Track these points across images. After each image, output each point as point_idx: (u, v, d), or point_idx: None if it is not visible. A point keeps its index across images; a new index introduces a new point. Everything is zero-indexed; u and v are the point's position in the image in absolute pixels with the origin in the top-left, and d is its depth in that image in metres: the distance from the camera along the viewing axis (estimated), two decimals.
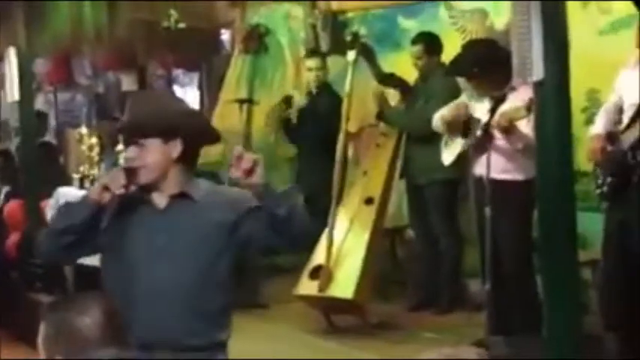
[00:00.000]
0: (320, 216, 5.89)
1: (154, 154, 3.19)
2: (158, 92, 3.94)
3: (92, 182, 7.69)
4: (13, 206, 8.27)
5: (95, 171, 7.90)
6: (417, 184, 6.58)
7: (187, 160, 3.26)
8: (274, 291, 7.23)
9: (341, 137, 6.33)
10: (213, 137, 3.43)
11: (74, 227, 3.15)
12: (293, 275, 6.80)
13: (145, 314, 3.09)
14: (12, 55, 7.88)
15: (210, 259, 3.22)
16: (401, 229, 7.31)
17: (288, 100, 7.52)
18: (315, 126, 7.10)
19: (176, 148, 3.21)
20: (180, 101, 3.56)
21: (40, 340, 2.32)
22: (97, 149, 7.99)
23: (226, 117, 8.71)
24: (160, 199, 3.25)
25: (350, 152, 6.94)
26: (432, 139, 6.02)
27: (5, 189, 8.92)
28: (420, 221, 6.68)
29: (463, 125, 5.62)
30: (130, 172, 3.16)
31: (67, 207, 3.34)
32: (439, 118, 5.82)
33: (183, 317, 3.14)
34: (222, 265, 3.26)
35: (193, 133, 3.25)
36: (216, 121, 8.89)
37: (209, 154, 8.68)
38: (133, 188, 3.19)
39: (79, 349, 2.15)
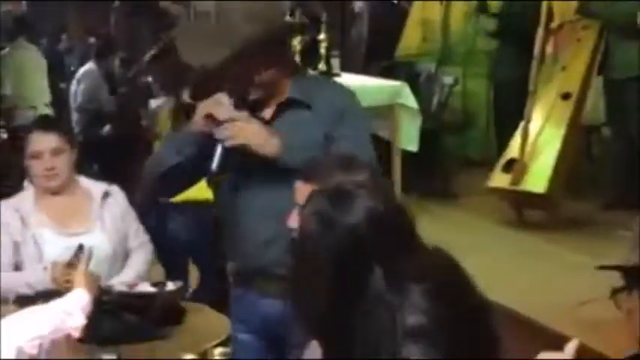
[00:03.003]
0: None
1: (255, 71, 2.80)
2: None
3: None
4: None
5: None
6: (615, 79, 6.41)
7: (285, 61, 2.93)
8: (466, 183, 7.33)
9: (540, 32, 6.26)
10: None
11: (181, 165, 2.83)
12: (484, 168, 6.89)
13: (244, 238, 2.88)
14: None
15: None
16: (598, 127, 7.20)
17: (482, 7, 7.48)
18: (517, 19, 7.05)
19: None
20: None
21: None
22: None
23: (426, 9, 8.71)
24: (266, 111, 2.88)
25: (549, 48, 6.83)
26: (634, 34, 5.84)
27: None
28: (617, 118, 6.54)
29: None
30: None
31: (173, 142, 2.98)
32: None
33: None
34: None
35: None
36: (416, 13, 8.92)
37: (409, 46, 8.80)
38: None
39: None
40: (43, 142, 3.56)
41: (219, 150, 2.69)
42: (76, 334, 2.59)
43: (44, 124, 3.84)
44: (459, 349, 1.47)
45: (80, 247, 3.20)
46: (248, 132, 2.71)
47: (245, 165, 2.78)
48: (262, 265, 2.83)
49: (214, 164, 2.70)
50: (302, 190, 2.29)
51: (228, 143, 2.69)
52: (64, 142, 3.61)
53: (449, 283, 1.54)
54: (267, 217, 2.77)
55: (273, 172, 2.73)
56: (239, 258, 2.96)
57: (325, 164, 2.37)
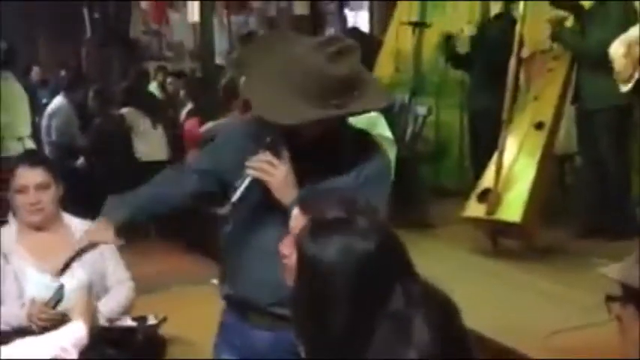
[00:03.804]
0: None
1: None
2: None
3: None
4: (192, 123, 8.60)
5: None
6: (588, 109, 6.48)
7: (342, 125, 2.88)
8: (441, 212, 7.36)
9: (512, 62, 6.32)
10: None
11: (186, 205, 2.97)
12: (459, 197, 6.93)
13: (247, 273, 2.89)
14: None
15: None
16: (571, 155, 7.27)
17: (449, 39, 7.56)
18: (489, 51, 7.12)
19: None
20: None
21: None
22: None
23: (399, 39, 8.79)
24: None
25: (521, 77, 6.91)
26: (606, 64, 5.91)
27: (187, 107, 9.33)
28: (589, 147, 6.61)
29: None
30: None
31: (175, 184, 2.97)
32: (614, 53, 5.72)
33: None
34: None
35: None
36: (389, 43, 8.99)
37: (381, 76, 8.87)
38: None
39: None
40: (29, 176, 3.56)
41: (245, 183, 2.73)
42: None
43: (30, 158, 3.83)
44: None
45: (61, 287, 3.19)
46: (273, 173, 2.73)
47: (264, 202, 2.80)
48: (256, 301, 2.85)
49: (236, 195, 2.74)
50: (298, 218, 2.28)
51: (251, 174, 2.73)
52: (50, 178, 3.61)
53: (443, 309, 1.61)
54: (269, 256, 2.76)
55: (286, 216, 2.67)
56: (235, 288, 2.95)
57: (324, 196, 2.40)
